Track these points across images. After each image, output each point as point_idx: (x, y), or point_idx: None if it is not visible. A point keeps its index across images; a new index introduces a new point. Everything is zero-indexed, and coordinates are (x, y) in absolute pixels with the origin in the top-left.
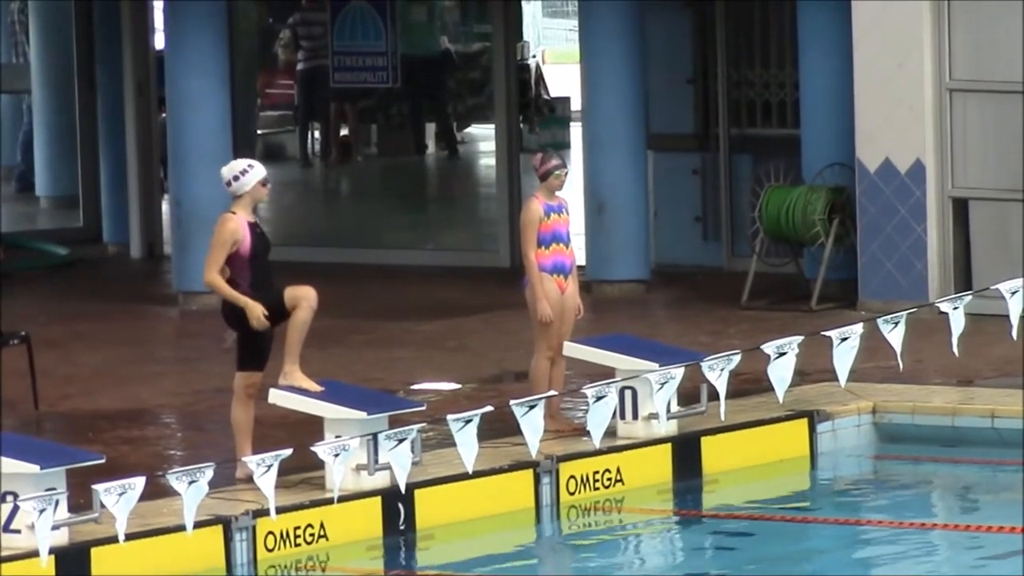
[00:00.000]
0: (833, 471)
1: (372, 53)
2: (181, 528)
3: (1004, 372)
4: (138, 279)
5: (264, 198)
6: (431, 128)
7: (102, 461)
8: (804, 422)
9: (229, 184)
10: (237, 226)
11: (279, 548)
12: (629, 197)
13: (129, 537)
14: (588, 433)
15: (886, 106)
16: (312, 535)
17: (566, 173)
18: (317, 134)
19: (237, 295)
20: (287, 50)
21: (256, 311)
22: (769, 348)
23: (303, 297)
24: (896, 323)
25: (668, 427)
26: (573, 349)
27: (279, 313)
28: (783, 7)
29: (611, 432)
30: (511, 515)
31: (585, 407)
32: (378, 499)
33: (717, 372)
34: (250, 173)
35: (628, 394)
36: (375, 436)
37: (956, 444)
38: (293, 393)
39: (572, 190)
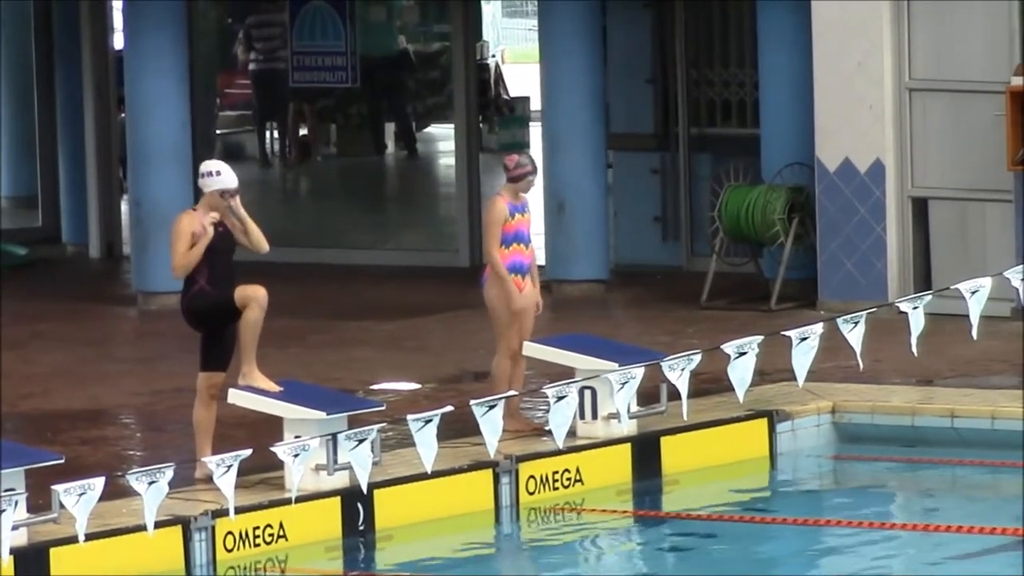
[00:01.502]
0: (793, 471)
1: (331, 53)
2: (140, 528)
3: (963, 372)
4: (97, 279)
5: (220, 208)
6: (391, 128)
7: (61, 461)
8: (764, 422)
9: (201, 177)
10: (191, 220)
11: (238, 548)
12: (589, 197)
13: (89, 537)
14: (549, 433)
15: (846, 106)
16: (271, 535)
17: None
18: (275, 134)
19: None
20: (244, 50)
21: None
22: (729, 348)
23: (252, 297)
24: (856, 323)
25: (628, 427)
26: (533, 349)
27: (235, 312)
28: (743, 7)
29: (571, 432)
30: (471, 515)
31: (545, 407)
32: (337, 499)
33: (677, 372)
34: (213, 179)
35: (588, 394)
36: (334, 436)
37: (915, 444)
38: (252, 393)
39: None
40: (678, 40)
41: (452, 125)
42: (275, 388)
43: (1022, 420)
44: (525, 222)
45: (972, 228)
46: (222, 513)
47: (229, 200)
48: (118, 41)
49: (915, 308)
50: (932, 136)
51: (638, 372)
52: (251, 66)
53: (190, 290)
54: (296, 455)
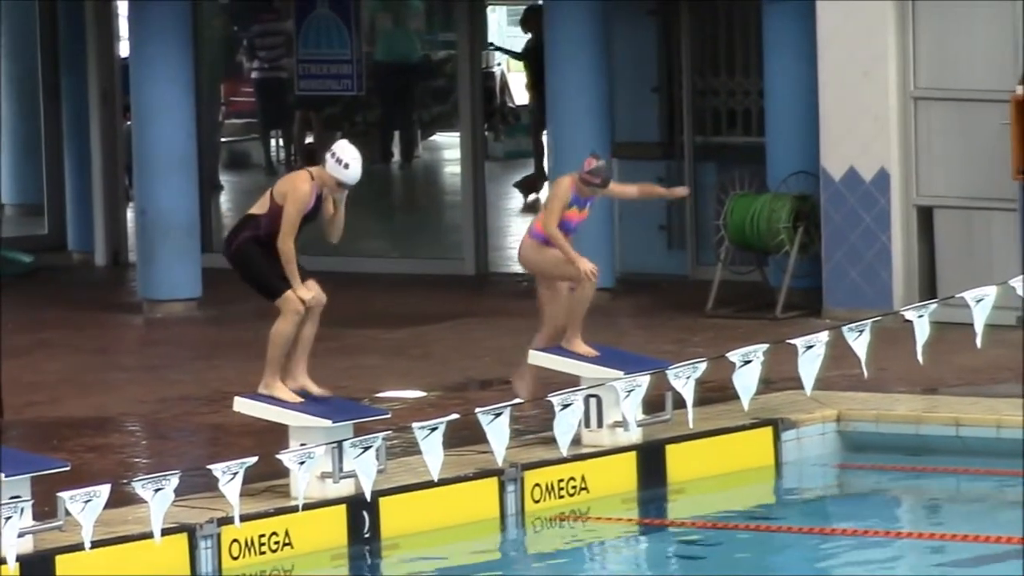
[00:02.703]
0: (798, 479)
1: (337, 61)
2: (146, 536)
3: (969, 381)
4: (103, 287)
5: (335, 194)
6: (397, 136)
7: (67, 469)
8: (769, 430)
9: (331, 156)
10: (309, 189)
11: (244, 556)
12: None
13: (94, 545)
14: (553, 441)
15: (851, 114)
16: (277, 543)
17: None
18: (281, 142)
19: (296, 279)
20: (248, 59)
21: (304, 292)
22: (734, 356)
23: (312, 307)
24: (861, 331)
25: (633, 435)
26: (538, 358)
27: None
28: (748, 16)
29: (576, 440)
30: (476, 524)
31: (550, 415)
32: (343, 507)
33: (683, 380)
34: (339, 168)
35: (593, 402)
36: (340, 444)
37: (920, 452)
38: (259, 401)
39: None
40: (683, 49)
41: (458, 133)
42: (294, 398)
43: None
44: (579, 216)
45: (977, 237)
46: (228, 521)
47: (341, 192)
48: (124, 49)
49: (920, 317)
50: (937, 145)
51: (644, 380)
52: (254, 74)
53: (240, 236)
54: (302, 463)
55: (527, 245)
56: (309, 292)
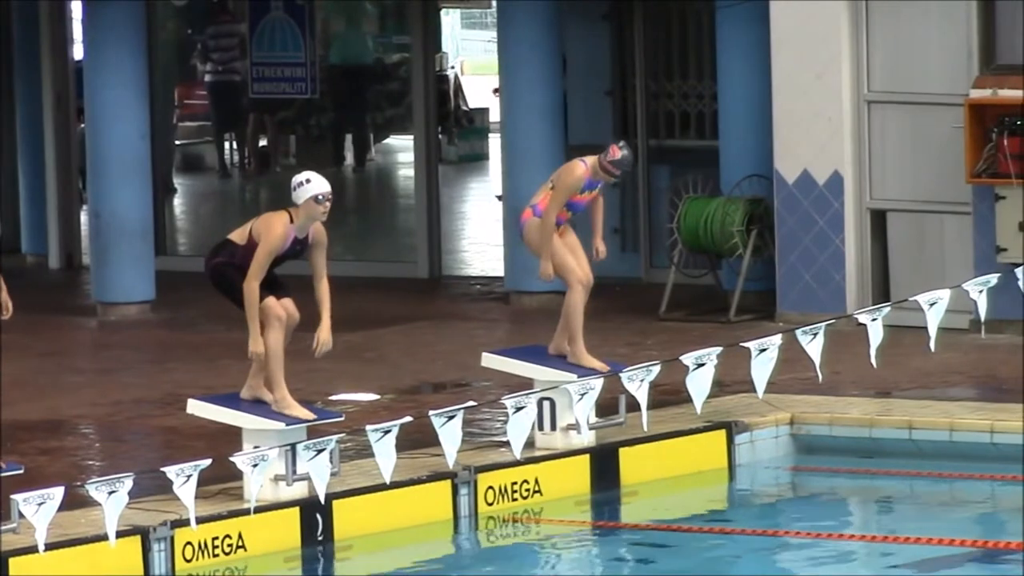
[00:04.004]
0: (751, 482)
1: (291, 64)
2: (100, 538)
3: (921, 384)
4: (57, 290)
5: (318, 216)
6: (351, 139)
7: (21, 472)
8: (722, 433)
9: (293, 190)
10: (286, 232)
11: (197, 559)
12: None
13: (48, 547)
14: (507, 444)
15: (804, 118)
16: (230, 545)
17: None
18: (234, 145)
19: (254, 324)
20: (201, 61)
21: (257, 346)
22: (688, 359)
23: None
24: (815, 334)
25: (587, 438)
26: (491, 360)
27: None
28: (702, 19)
29: (529, 443)
30: (429, 526)
31: (503, 418)
32: (296, 510)
33: (637, 383)
34: (305, 187)
35: (547, 405)
36: (293, 447)
37: (873, 455)
38: (211, 404)
39: (491, 200)
40: (637, 52)
41: (411, 136)
42: (308, 415)
43: (982, 431)
44: (589, 197)
45: (930, 240)
46: (181, 523)
47: (325, 205)
48: (78, 52)
49: (874, 320)
50: (891, 148)
51: (597, 383)
52: (207, 77)
53: (215, 259)
54: (255, 465)
55: (532, 225)
56: (260, 346)
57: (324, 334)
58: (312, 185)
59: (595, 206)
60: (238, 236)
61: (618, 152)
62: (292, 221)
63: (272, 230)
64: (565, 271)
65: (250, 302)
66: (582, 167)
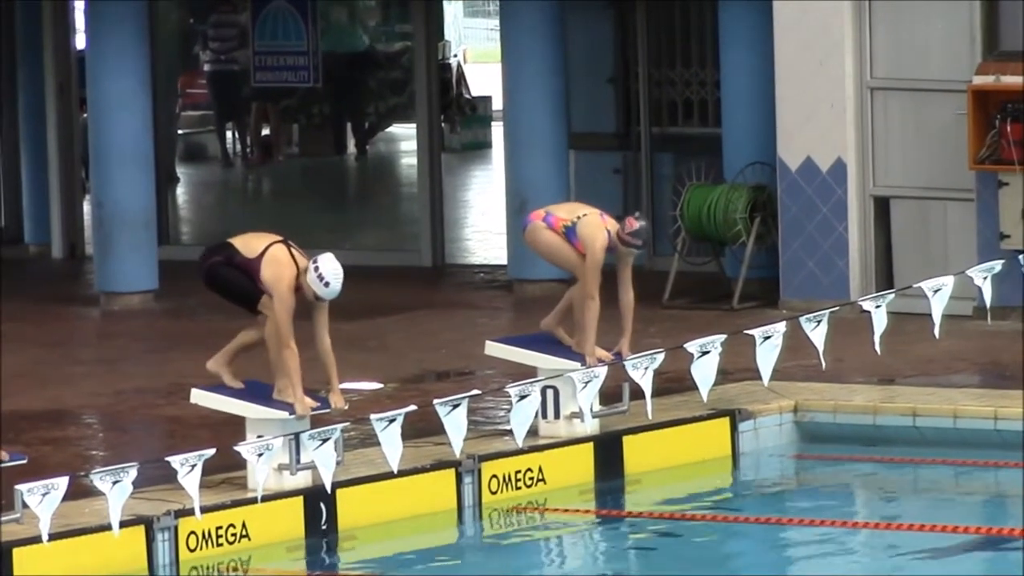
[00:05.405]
0: (755, 470)
1: (293, 53)
2: (103, 528)
3: (925, 371)
4: (60, 280)
5: (311, 298)
6: (353, 128)
7: (25, 462)
8: (726, 421)
9: (315, 270)
10: (292, 272)
11: (201, 548)
12: (550, 196)
13: (52, 537)
14: (510, 432)
15: (807, 105)
16: (235, 535)
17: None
18: (236, 134)
19: (295, 382)
20: (202, 51)
21: (305, 408)
22: (692, 347)
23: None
24: (818, 321)
25: (590, 426)
26: (495, 348)
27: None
28: (704, 6)
29: (533, 432)
30: (433, 515)
31: (507, 406)
32: (300, 499)
33: (641, 371)
34: (319, 285)
35: (550, 393)
36: (298, 436)
37: (877, 443)
38: (216, 393)
39: (494, 188)
40: (639, 39)
41: (414, 125)
42: (309, 405)
43: (986, 418)
44: None
45: (934, 227)
46: (185, 513)
47: (324, 301)
48: (80, 41)
49: (877, 307)
50: (894, 135)
51: (601, 371)
52: (207, 67)
53: (212, 259)
54: (260, 455)
55: (537, 230)
56: (307, 407)
57: (338, 400)
58: (328, 290)
59: (626, 310)
60: (242, 245)
61: (635, 223)
62: (298, 270)
63: (282, 280)
64: (592, 287)
65: (285, 360)
66: (603, 238)
